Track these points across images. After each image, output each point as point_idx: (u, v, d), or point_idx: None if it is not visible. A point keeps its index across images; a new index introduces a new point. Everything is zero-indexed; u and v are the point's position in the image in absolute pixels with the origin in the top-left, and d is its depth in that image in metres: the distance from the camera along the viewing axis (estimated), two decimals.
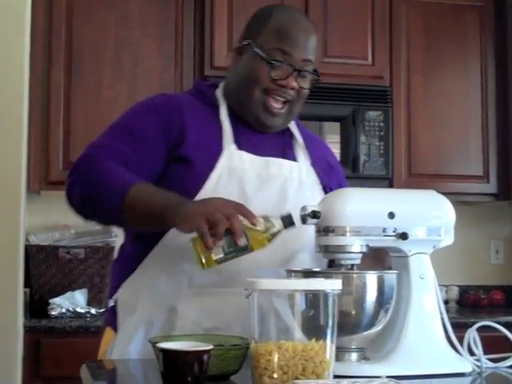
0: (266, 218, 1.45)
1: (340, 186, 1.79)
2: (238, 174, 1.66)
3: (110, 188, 1.54)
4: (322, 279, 1.33)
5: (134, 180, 1.55)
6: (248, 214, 1.42)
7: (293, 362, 1.24)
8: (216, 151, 1.67)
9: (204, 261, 1.41)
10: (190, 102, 1.76)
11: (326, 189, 1.77)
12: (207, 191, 1.62)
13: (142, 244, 1.68)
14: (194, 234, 1.41)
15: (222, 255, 1.41)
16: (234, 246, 1.41)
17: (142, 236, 1.69)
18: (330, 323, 1.28)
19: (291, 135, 1.81)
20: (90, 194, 1.57)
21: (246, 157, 1.69)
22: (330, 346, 1.28)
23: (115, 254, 3.04)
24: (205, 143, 1.68)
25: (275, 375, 1.24)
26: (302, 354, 1.25)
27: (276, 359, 1.24)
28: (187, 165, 1.65)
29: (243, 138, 1.72)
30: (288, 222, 1.45)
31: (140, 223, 1.57)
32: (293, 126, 1.82)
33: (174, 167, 1.66)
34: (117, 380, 1.49)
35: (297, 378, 1.25)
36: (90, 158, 1.61)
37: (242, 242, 1.40)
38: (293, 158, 1.77)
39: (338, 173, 1.89)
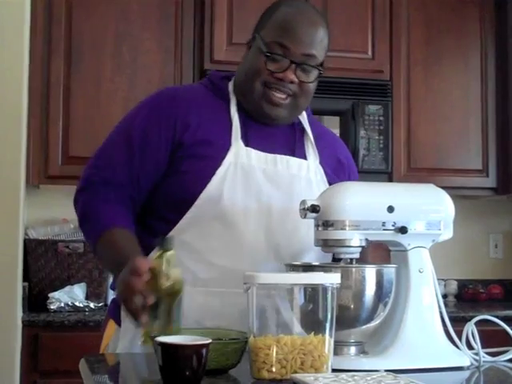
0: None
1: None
2: (244, 170, 1.65)
3: (89, 227, 1.68)
4: (321, 273, 1.33)
5: (108, 226, 1.62)
6: (135, 270, 1.35)
7: (291, 356, 1.25)
8: (224, 147, 1.66)
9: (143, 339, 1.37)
10: (199, 95, 1.74)
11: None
12: (213, 187, 1.62)
13: (148, 238, 1.65)
14: None
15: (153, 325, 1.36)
16: (154, 311, 1.35)
17: (150, 230, 1.68)
18: (329, 317, 1.29)
19: (303, 131, 1.79)
20: (79, 222, 1.72)
21: (254, 154, 1.68)
22: (328, 340, 1.29)
23: None
24: (212, 138, 1.67)
25: (274, 369, 1.26)
26: (300, 348, 1.26)
27: (274, 353, 1.25)
28: (194, 160, 1.64)
29: (252, 133, 1.71)
30: (164, 244, 1.40)
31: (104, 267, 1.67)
32: (305, 121, 1.80)
33: (181, 162, 1.65)
34: (116, 373, 1.49)
35: (295, 372, 1.25)
36: (90, 182, 1.70)
37: (151, 300, 1.33)
38: (302, 155, 1.75)
39: (347, 169, 1.85)
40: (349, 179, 1.82)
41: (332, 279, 1.30)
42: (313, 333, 1.28)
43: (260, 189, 1.65)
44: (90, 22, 3.24)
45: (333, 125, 3.40)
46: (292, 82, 1.66)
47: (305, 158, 1.75)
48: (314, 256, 1.64)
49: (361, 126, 3.42)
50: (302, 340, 1.27)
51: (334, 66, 3.35)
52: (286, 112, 1.71)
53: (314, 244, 1.50)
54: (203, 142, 1.65)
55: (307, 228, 1.54)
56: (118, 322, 1.71)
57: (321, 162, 1.77)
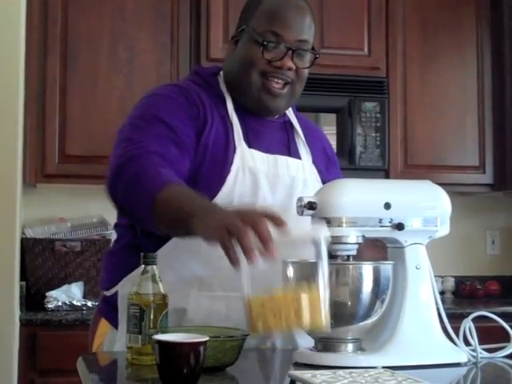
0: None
1: (336, 177, 1.79)
2: (251, 174, 1.64)
3: (144, 187, 1.46)
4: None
5: (167, 180, 1.46)
6: (274, 217, 1.24)
7: (285, 310, 1.26)
8: (229, 149, 1.64)
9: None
10: (202, 95, 1.70)
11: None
12: (224, 194, 1.59)
13: (151, 237, 1.60)
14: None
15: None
16: (139, 326, 1.35)
17: (155, 235, 1.58)
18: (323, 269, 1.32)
19: (292, 127, 1.80)
20: (128, 193, 1.50)
21: (258, 156, 1.67)
22: (321, 295, 1.29)
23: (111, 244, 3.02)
24: (219, 140, 1.65)
25: (269, 323, 1.26)
26: (294, 301, 1.27)
27: (268, 310, 1.25)
28: (206, 162, 1.62)
29: (251, 133, 1.70)
30: (147, 260, 1.41)
31: (167, 228, 1.47)
32: (293, 118, 1.81)
33: (196, 162, 1.61)
34: (113, 372, 1.49)
35: (289, 325, 1.27)
36: (129, 156, 1.52)
37: (271, 251, 1.19)
38: (296, 153, 1.76)
39: (334, 161, 1.88)
40: (336, 175, 1.82)
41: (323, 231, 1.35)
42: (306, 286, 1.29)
43: (265, 192, 1.65)
44: (86, 20, 3.24)
45: (329, 122, 3.41)
46: (290, 69, 1.67)
47: (299, 157, 1.75)
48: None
49: (357, 123, 3.42)
50: (295, 294, 1.27)
51: (330, 63, 3.36)
52: (284, 102, 1.71)
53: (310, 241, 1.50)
54: (214, 144, 1.64)
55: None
56: (114, 324, 1.68)
57: (314, 161, 1.77)
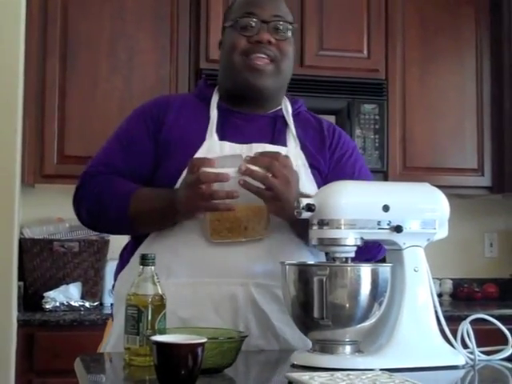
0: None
1: (339, 161, 1.80)
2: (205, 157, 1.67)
3: (113, 201, 1.67)
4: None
5: (131, 189, 1.68)
6: (201, 162, 1.55)
7: (236, 224, 1.63)
8: (198, 143, 1.70)
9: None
10: (183, 99, 1.83)
11: (319, 168, 1.76)
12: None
13: (138, 238, 1.73)
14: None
15: None
16: (137, 327, 1.40)
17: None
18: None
19: (285, 122, 1.80)
20: (95, 209, 1.71)
21: (227, 145, 1.70)
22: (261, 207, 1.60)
23: (110, 248, 3.05)
24: (188, 136, 1.71)
25: (222, 234, 1.63)
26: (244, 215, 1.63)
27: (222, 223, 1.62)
28: (169, 158, 1.70)
29: (231, 128, 1.73)
30: (146, 261, 1.47)
31: (146, 225, 1.68)
32: (288, 114, 1.81)
33: (160, 162, 1.71)
34: (111, 373, 1.49)
35: (239, 235, 1.63)
36: (92, 174, 1.73)
37: (225, 177, 1.53)
38: (283, 143, 1.76)
39: (329, 141, 1.83)
40: (333, 149, 1.81)
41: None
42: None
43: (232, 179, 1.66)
44: (86, 21, 3.24)
45: None
46: (270, 43, 1.72)
47: (285, 145, 1.76)
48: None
49: (356, 125, 3.43)
50: (241, 212, 1.61)
51: (329, 65, 3.37)
52: (270, 80, 1.74)
53: (309, 243, 1.50)
54: (177, 140, 1.71)
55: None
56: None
57: (304, 148, 1.77)
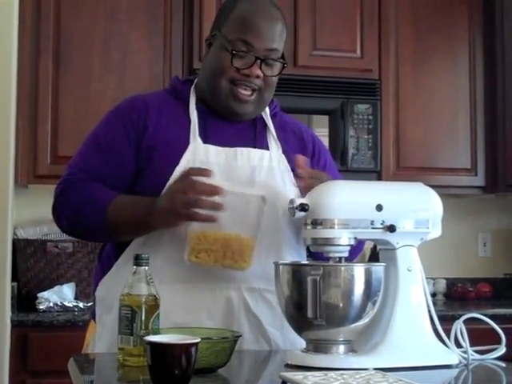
0: None
1: (317, 162, 1.82)
2: (203, 167, 1.64)
3: (90, 211, 1.65)
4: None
5: (109, 197, 1.65)
6: (198, 171, 1.54)
7: (214, 247, 1.55)
8: (182, 147, 1.68)
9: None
10: (159, 99, 1.78)
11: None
12: None
13: (119, 243, 1.71)
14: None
15: None
16: (130, 327, 1.40)
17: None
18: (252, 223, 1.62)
19: (264, 125, 1.80)
20: (74, 219, 1.69)
21: (212, 149, 1.69)
22: (249, 239, 1.58)
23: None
24: (171, 140, 1.69)
25: (200, 256, 1.56)
26: (222, 242, 1.56)
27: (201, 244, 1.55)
28: (154, 163, 1.67)
29: (212, 130, 1.72)
30: (139, 261, 1.47)
31: (127, 235, 1.66)
32: (266, 116, 1.81)
33: (143, 167, 1.68)
34: (105, 373, 1.48)
35: (216, 261, 1.56)
36: (71, 181, 1.71)
37: (219, 190, 1.49)
38: (265, 146, 1.76)
39: (312, 148, 1.84)
40: (312, 160, 1.81)
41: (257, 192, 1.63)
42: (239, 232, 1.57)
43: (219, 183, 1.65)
44: (79, 21, 3.23)
45: (322, 124, 3.41)
46: (258, 77, 1.69)
47: (267, 149, 1.76)
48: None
49: (350, 125, 3.43)
50: (224, 235, 1.55)
51: (322, 65, 3.37)
52: (252, 107, 1.73)
53: (302, 243, 1.51)
54: (161, 145, 1.68)
55: (261, 214, 1.65)
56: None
57: (285, 151, 1.77)
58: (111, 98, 3.18)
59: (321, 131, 3.36)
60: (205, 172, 1.53)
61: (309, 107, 3.35)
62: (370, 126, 3.46)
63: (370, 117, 3.46)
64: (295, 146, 1.81)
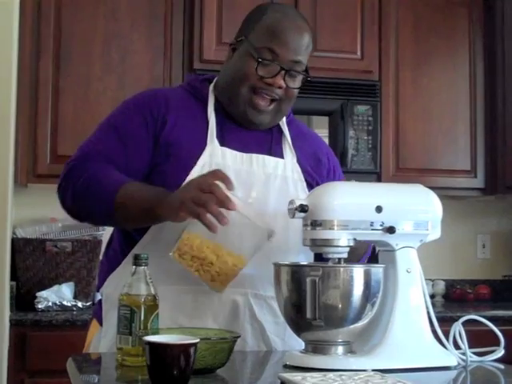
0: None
1: (330, 180, 1.80)
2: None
3: (100, 189, 1.58)
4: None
5: (123, 180, 1.59)
6: (223, 177, 1.46)
7: (202, 255, 1.51)
8: (199, 147, 1.67)
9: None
10: (178, 96, 1.76)
11: (313, 185, 1.75)
12: None
13: (128, 239, 1.70)
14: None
15: None
16: (129, 327, 1.39)
17: (130, 232, 1.70)
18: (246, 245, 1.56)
19: (281, 132, 1.80)
20: (81, 196, 1.61)
21: (229, 153, 1.69)
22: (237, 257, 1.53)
23: (103, 248, 3.04)
24: (189, 139, 1.68)
25: (185, 257, 1.52)
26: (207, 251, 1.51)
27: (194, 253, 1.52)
28: (170, 160, 1.66)
29: (229, 134, 1.72)
30: (138, 261, 1.44)
31: (132, 221, 1.61)
32: (283, 123, 1.81)
33: (159, 162, 1.67)
34: (103, 373, 1.48)
35: (197, 271, 1.52)
36: (81, 160, 1.66)
37: (232, 205, 1.42)
38: (279, 154, 1.76)
39: (327, 166, 1.85)
40: (329, 175, 1.82)
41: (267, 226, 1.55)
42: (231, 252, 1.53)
43: (235, 188, 1.65)
44: (79, 21, 3.23)
45: (322, 125, 3.41)
46: (280, 88, 1.68)
47: (282, 157, 1.76)
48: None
49: (350, 126, 3.43)
50: (218, 253, 1.51)
51: (323, 66, 3.37)
52: (269, 117, 1.73)
53: (302, 243, 1.51)
54: (178, 143, 1.67)
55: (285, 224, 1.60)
56: (101, 322, 1.72)
57: (298, 161, 1.77)
58: (111, 98, 3.19)
59: (321, 132, 3.35)
60: (228, 183, 1.46)
61: (309, 108, 3.35)
62: (370, 128, 3.46)
63: (370, 118, 3.46)
64: (310, 157, 1.81)
